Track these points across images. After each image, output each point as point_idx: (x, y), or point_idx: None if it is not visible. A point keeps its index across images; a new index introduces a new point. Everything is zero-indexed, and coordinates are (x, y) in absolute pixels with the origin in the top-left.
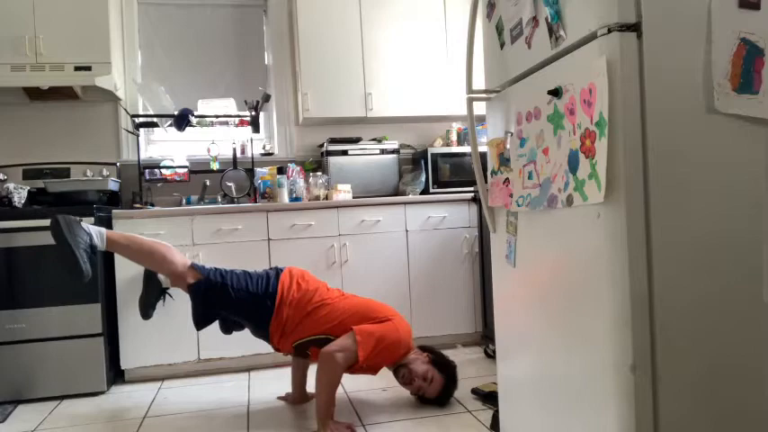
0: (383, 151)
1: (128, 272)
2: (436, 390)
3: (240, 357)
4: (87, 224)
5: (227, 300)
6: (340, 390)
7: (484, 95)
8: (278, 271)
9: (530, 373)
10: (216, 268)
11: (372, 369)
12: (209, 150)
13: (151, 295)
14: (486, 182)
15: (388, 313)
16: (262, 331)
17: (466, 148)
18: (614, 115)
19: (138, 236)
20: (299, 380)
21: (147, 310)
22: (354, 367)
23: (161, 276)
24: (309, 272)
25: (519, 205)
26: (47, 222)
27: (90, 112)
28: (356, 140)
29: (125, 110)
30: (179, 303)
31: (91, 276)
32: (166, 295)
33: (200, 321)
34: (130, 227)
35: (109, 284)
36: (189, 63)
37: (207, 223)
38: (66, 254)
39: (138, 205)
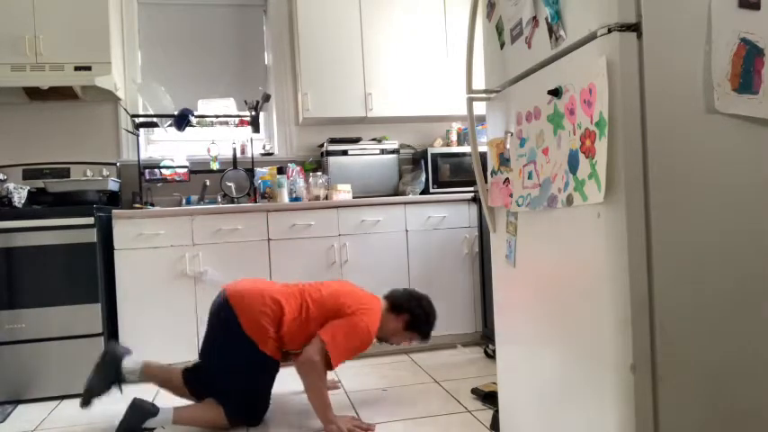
0: (383, 151)
1: (128, 272)
2: (417, 340)
3: None
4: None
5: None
6: (340, 390)
7: (484, 95)
8: (233, 323)
9: (530, 373)
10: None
11: (351, 357)
12: (209, 150)
13: (103, 382)
14: (486, 182)
15: (354, 305)
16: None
17: (466, 148)
18: (614, 115)
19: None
20: None
21: (92, 396)
22: (333, 366)
23: (128, 366)
24: (254, 283)
25: (519, 205)
26: (47, 222)
27: (90, 112)
28: (356, 140)
29: (125, 110)
30: (179, 303)
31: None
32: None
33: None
34: (130, 227)
35: (109, 284)
36: (189, 63)
37: (207, 223)
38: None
39: (138, 205)
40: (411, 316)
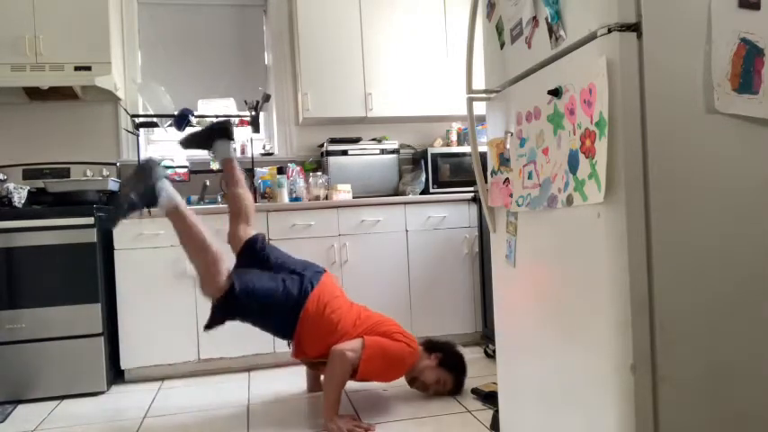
0: (383, 151)
1: (128, 272)
2: (449, 387)
3: (240, 357)
4: (167, 186)
5: (249, 314)
6: None
7: (484, 95)
8: (310, 286)
9: (530, 373)
10: (246, 282)
11: (376, 378)
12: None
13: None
14: (486, 182)
15: (403, 337)
16: (281, 337)
17: (466, 148)
18: (614, 115)
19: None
20: (316, 372)
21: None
22: (359, 374)
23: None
24: (339, 288)
25: (519, 205)
26: (47, 222)
27: (90, 112)
28: (356, 140)
29: (125, 110)
30: (179, 303)
31: (117, 218)
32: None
33: (212, 326)
34: (130, 227)
35: (109, 284)
36: (189, 63)
37: (206, 224)
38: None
39: None
40: (445, 354)
